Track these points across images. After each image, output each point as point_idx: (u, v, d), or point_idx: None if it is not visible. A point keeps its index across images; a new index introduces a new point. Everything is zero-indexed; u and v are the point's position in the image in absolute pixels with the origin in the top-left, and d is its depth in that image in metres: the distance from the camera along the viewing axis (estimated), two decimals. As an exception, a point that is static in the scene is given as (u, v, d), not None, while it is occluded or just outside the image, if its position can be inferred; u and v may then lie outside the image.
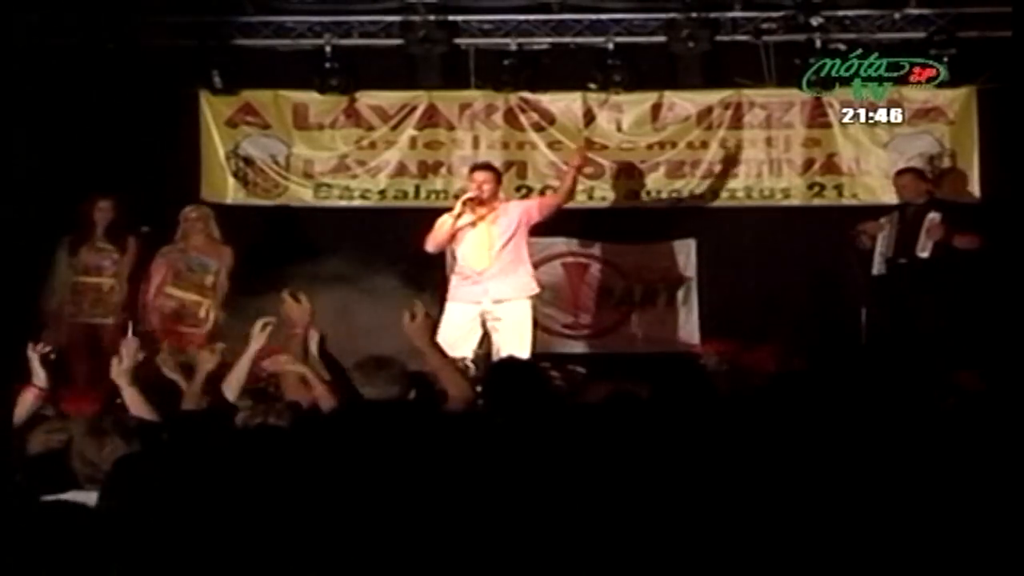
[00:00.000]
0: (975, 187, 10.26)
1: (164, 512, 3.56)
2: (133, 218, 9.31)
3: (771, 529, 3.59)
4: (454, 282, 8.60)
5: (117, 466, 3.84)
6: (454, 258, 8.73)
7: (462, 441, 4.03)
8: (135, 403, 5.22)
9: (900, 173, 9.64)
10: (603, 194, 10.54)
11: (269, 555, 3.37)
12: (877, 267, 9.33)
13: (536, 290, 8.63)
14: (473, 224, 8.47)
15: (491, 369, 5.37)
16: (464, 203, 8.44)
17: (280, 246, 10.06)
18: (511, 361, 5.83)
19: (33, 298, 9.22)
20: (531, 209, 8.69)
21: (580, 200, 10.50)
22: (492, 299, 8.39)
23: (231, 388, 5.72)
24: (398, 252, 9.60)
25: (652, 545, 3.52)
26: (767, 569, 3.52)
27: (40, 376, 5.26)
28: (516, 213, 8.57)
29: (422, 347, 5.36)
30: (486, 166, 8.96)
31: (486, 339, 8.42)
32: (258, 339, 5.90)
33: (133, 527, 3.49)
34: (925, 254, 9.11)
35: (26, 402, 5.16)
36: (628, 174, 10.53)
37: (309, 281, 9.10)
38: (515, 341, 8.28)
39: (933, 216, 9.15)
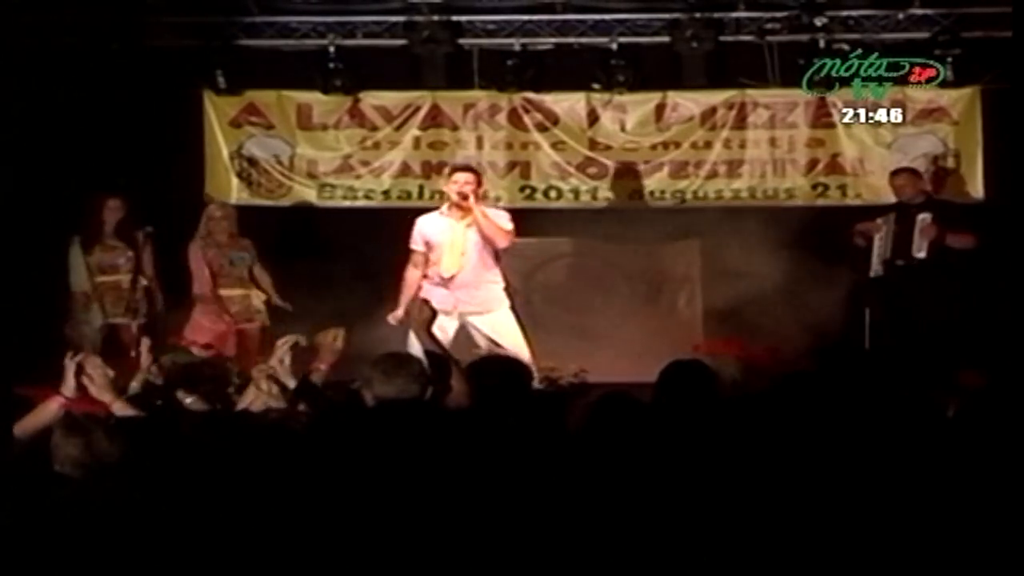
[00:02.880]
0: (979, 187, 10.26)
1: (164, 507, 3.57)
2: (139, 217, 9.31)
3: (774, 531, 3.59)
4: (426, 287, 8.29)
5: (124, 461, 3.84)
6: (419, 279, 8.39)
7: (470, 441, 4.03)
8: (127, 414, 5.19)
9: (895, 173, 9.66)
10: (606, 194, 10.54)
11: (270, 553, 3.37)
12: (875, 269, 9.39)
13: (507, 303, 8.38)
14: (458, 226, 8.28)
15: (474, 365, 5.35)
16: (450, 207, 8.26)
17: (286, 245, 10.07)
18: (495, 358, 5.82)
19: (37, 298, 9.23)
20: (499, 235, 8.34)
21: (584, 200, 10.54)
22: (459, 312, 8.18)
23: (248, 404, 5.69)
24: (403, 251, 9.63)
25: (651, 546, 3.52)
26: (772, 570, 3.53)
27: (70, 386, 5.20)
28: (490, 230, 8.29)
29: (420, 336, 5.39)
30: (467, 167, 8.74)
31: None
32: (278, 354, 5.85)
33: (134, 521, 3.50)
34: (922, 255, 9.15)
35: (49, 410, 5.08)
36: (632, 174, 10.54)
37: (315, 280, 9.19)
38: (513, 341, 8.17)
39: (924, 216, 9.19)
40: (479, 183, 8.47)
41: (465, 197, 8.18)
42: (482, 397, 4.90)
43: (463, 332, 8.25)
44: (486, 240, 8.26)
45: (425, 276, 8.32)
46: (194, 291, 9.22)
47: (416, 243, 8.38)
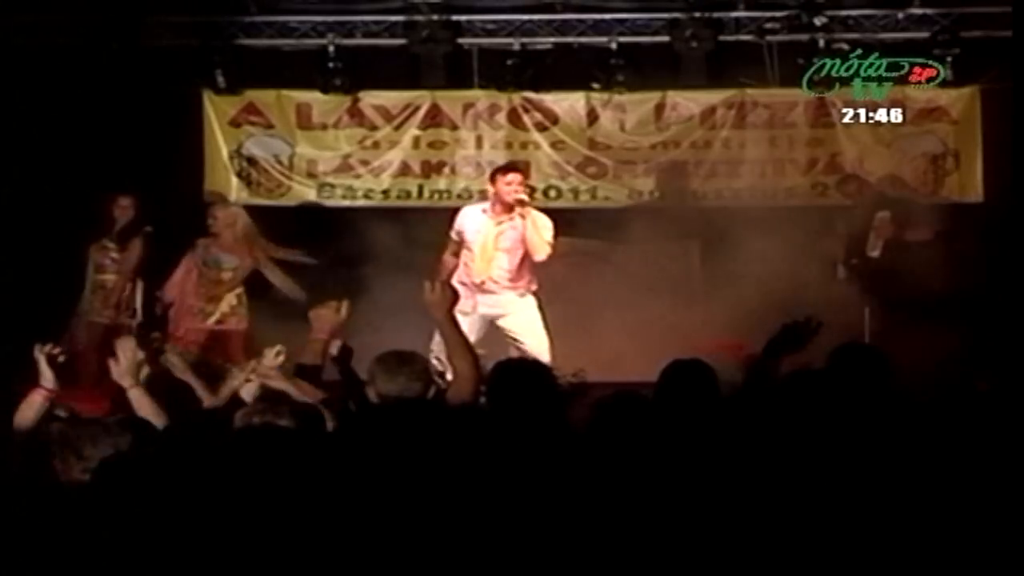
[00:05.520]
0: (978, 187, 10.28)
1: (157, 511, 3.56)
2: (144, 217, 9.34)
3: (776, 531, 3.59)
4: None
5: (103, 465, 3.83)
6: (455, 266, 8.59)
7: (472, 442, 4.02)
8: (141, 404, 5.19)
9: (845, 181, 9.94)
10: (606, 194, 10.55)
11: (269, 557, 3.37)
12: (840, 272, 9.72)
13: (533, 303, 8.53)
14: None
15: (497, 369, 5.31)
16: (495, 207, 8.36)
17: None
18: (517, 362, 5.79)
19: (38, 298, 9.25)
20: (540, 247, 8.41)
21: (584, 200, 10.54)
22: (480, 314, 8.31)
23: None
24: (402, 251, 9.63)
25: (657, 546, 3.53)
26: (773, 570, 3.53)
27: (47, 377, 5.21)
28: (534, 240, 8.36)
29: (439, 319, 5.33)
30: (515, 167, 8.84)
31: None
32: (269, 362, 5.83)
33: (124, 527, 3.49)
34: (876, 253, 9.30)
35: (34, 404, 5.09)
36: (631, 174, 10.54)
37: (314, 279, 9.19)
38: (535, 343, 8.32)
39: (882, 215, 9.34)
40: (525, 181, 8.61)
41: (523, 203, 8.28)
42: (502, 400, 4.87)
43: (491, 331, 8.39)
44: (526, 247, 8.33)
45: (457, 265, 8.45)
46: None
47: (455, 231, 8.52)
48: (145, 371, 5.73)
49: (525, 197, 8.35)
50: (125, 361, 5.24)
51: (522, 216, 8.31)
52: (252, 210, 10.25)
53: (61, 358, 5.24)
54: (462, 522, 3.37)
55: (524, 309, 8.50)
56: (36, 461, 4.40)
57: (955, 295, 9.23)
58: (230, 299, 9.25)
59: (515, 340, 8.40)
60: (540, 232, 8.35)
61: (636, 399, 4.14)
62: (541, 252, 8.36)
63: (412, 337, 7.45)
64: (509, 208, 8.30)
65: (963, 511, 3.59)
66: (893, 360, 5.01)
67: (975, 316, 9.34)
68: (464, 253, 8.47)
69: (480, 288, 8.34)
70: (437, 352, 6.65)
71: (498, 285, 8.42)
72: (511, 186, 8.32)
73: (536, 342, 8.36)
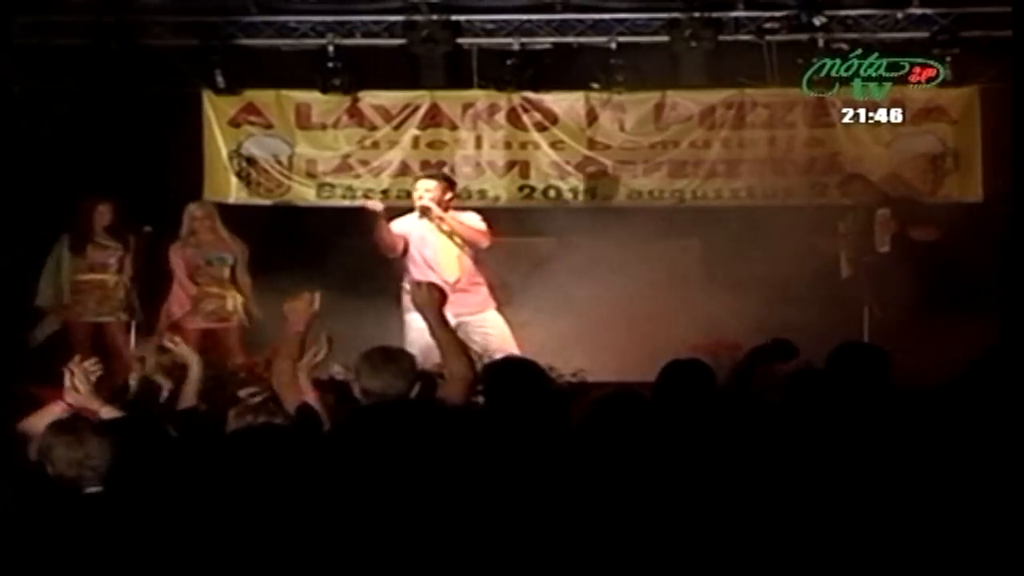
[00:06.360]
0: (977, 187, 10.29)
1: (164, 508, 3.56)
2: (135, 218, 9.33)
3: (773, 528, 3.59)
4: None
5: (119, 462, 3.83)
6: (407, 269, 8.71)
7: (462, 440, 4.03)
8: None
9: (847, 181, 10.01)
10: (605, 194, 10.54)
11: (265, 554, 3.38)
12: (844, 271, 9.72)
13: (494, 305, 8.76)
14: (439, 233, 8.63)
15: (489, 368, 5.31)
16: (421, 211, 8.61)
17: (284, 245, 10.07)
18: (511, 360, 5.80)
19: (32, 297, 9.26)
20: (477, 236, 8.70)
21: (583, 200, 10.55)
22: (453, 313, 8.36)
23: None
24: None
25: (653, 544, 3.53)
26: (770, 568, 3.53)
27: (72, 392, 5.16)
28: (468, 233, 8.65)
29: (430, 318, 5.35)
30: (432, 175, 9.13)
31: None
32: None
33: (135, 522, 3.50)
34: (885, 248, 9.35)
35: (52, 414, 5.06)
36: (631, 174, 10.54)
37: (311, 279, 9.18)
38: (505, 347, 8.37)
39: (883, 212, 9.44)
40: (445, 190, 8.73)
41: (426, 211, 8.40)
42: (499, 399, 4.88)
43: (459, 331, 8.35)
44: (467, 244, 8.58)
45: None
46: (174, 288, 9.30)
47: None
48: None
49: (431, 205, 8.56)
50: (84, 388, 5.18)
51: (439, 219, 8.55)
52: (251, 210, 10.28)
53: (97, 374, 5.20)
54: (460, 520, 3.38)
55: (491, 308, 8.74)
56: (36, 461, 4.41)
57: (960, 293, 9.27)
58: (230, 299, 9.25)
59: (483, 337, 8.52)
60: (466, 225, 8.66)
61: (634, 397, 4.15)
62: (482, 241, 8.70)
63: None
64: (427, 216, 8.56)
65: (961, 508, 3.60)
66: (896, 357, 5.01)
67: (978, 315, 9.35)
68: (423, 259, 8.59)
69: (455, 287, 8.37)
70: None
71: (467, 283, 8.60)
72: (417, 192, 8.69)
73: (504, 339, 8.58)
